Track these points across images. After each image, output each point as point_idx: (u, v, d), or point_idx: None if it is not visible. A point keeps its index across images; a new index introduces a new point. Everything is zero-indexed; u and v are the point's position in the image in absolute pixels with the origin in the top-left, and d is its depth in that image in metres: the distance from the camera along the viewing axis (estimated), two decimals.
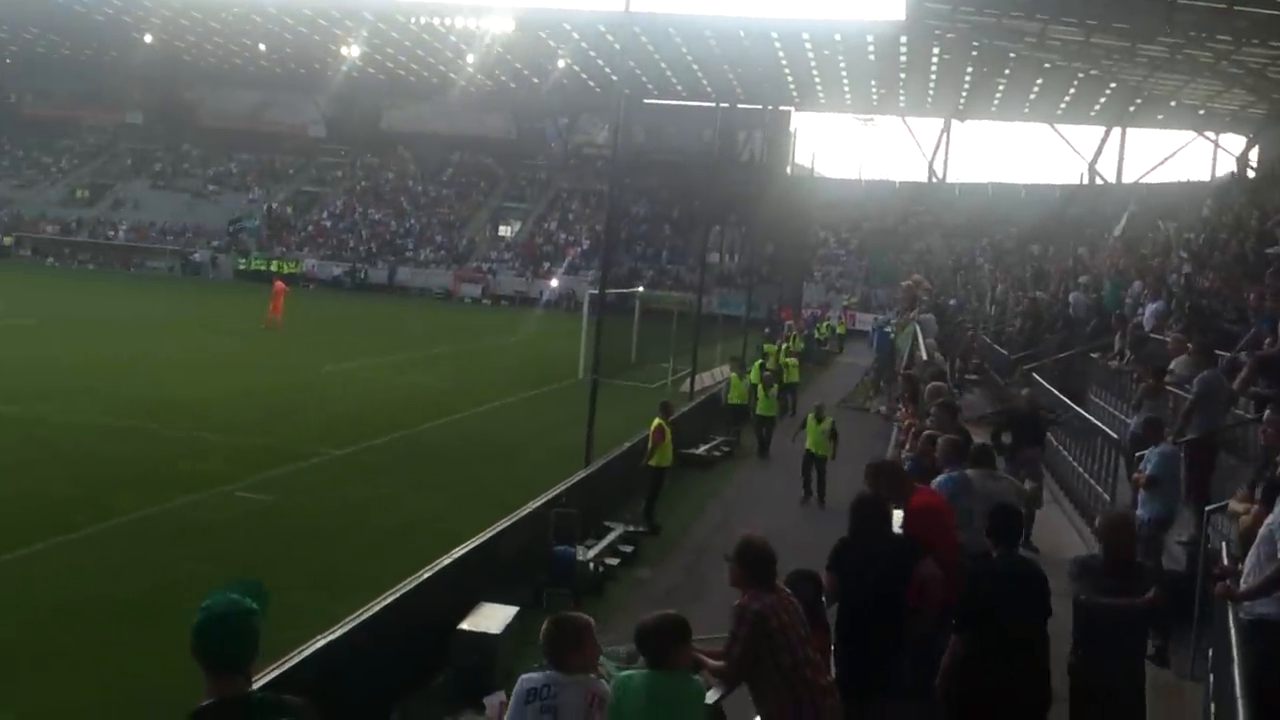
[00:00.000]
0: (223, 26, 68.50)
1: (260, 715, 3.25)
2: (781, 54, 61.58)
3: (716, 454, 20.41)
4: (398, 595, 8.70)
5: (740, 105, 68.47)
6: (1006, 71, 58.03)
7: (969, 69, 59.32)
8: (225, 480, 15.17)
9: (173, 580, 10.98)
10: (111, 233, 69.57)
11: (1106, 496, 12.31)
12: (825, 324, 48.99)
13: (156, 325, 35.44)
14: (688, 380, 25.04)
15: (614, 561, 12.76)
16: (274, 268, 62.69)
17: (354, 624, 7.99)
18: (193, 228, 69.71)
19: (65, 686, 8.57)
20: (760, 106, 70.09)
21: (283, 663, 6.77)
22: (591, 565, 11.86)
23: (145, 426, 18.51)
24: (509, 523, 11.21)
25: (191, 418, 19.58)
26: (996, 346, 26.03)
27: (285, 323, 36.19)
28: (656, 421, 15.04)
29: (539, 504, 12.03)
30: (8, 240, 68.35)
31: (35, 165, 77.86)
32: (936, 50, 56.31)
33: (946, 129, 72.83)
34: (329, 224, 71.52)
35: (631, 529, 14.04)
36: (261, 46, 71.62)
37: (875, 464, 7.55)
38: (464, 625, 9.15)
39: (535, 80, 72.04)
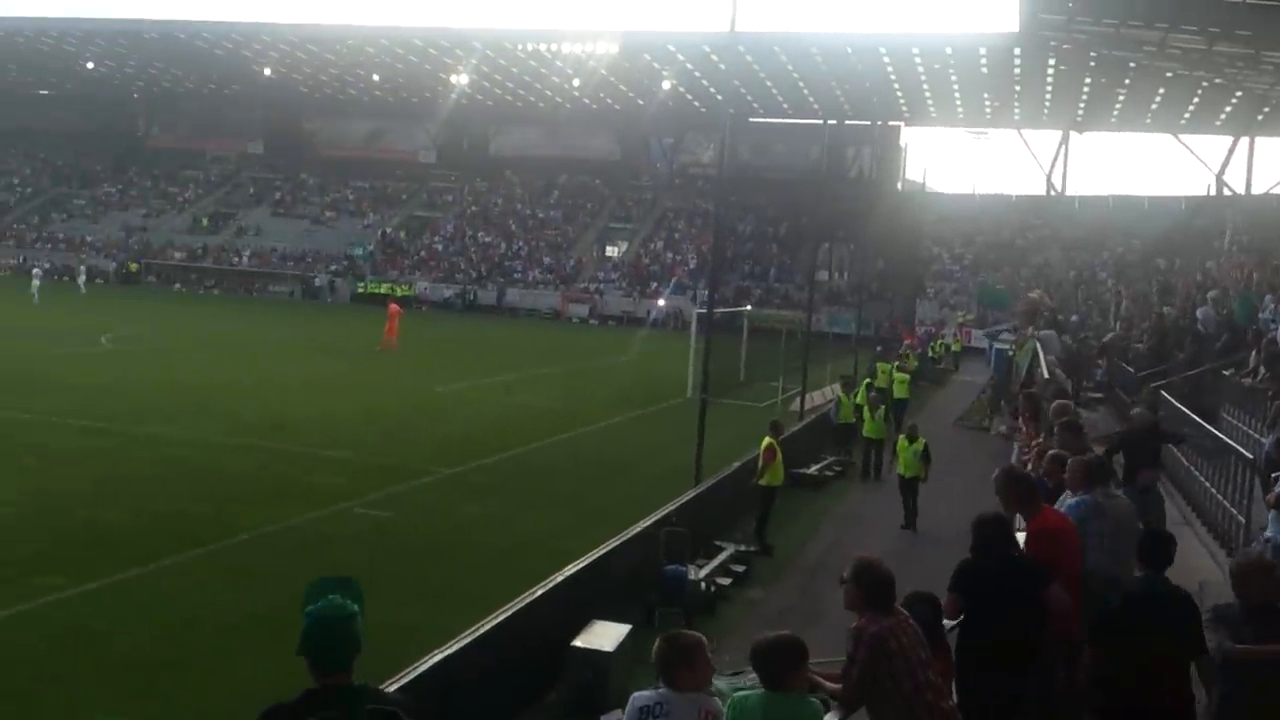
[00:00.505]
0: (337, 58, 70.57)
1: (362, 701, 3.50)
2: (890, 69, 60.89)
3: (828, 473, 20.13)
4: (511, 612, 8.75)
5: (848, 121, 67.82)
6: (1126, 81, 56.41)
7: (1087, 79, 57.81)
8: (345, 497, 15.50)
9: (295, 594, 11.01)
10: (235, 259, 71.93)
11: (1241, 519, 11.78)
12: (940, 341, 48.07)
13: (279, 347, 36.53)
14: (797, 399, 24.79)
15: (726, 581, 12.65)
16: (388, 291, 64.04)
17: (469, 640, 8.06)
18: (311, 253, 71.71)
19: (192, 694, 8.84)
20: (869, 122, 69.39)
21: (401, 676, 6.86)
22: (703, 585, 11.78)
23: (268, 445, 19.05)
24: (620, 541, 11.21)
25: (312, 436, 20.09)
26: (1123, 364, 25.21)
27: (399, 344, 36.96)
28: (767, 440, 14.90)
29: (649, 523, 12.00)
30: (134, 267, 71.09)
31: (162, 195, 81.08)
32: (1053, 61, 55.03)
33: (1065, 141, 71.14)
34: (440, 247, 72.89)
35: (743, 549, 13.92)
36: (375, 77, 73.56)
37: (1010, 472, 7.35)
38: (577, 642, 9.16)
39: (640, 101, 72.52)
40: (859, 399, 22.05)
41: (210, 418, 21.32)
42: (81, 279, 58.27)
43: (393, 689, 6.36)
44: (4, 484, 14.88)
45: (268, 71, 72.77)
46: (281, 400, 24.47)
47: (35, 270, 53.97)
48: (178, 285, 69.30)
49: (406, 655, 7.48)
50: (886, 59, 59.35)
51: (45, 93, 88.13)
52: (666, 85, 67.88)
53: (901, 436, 16.96)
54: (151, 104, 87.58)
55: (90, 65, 77.12)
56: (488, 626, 8.36)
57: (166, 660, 9.46)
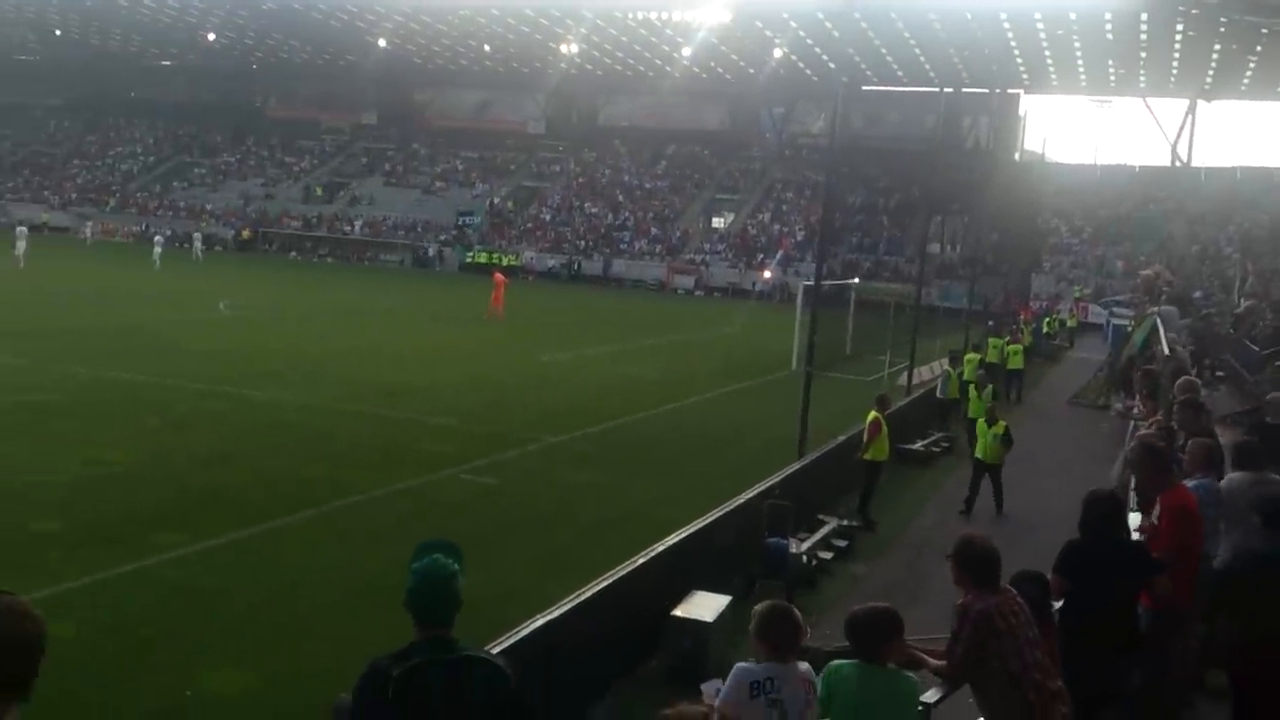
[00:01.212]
0: (450, 29, 71.28)
1: (459, 652, 3.74)
2: (1011, 35, 59.16)
3: (935, 450, 19.75)
4: (613, 579, 8.78)
5: (965, 90, 66.13)
6: (1258, 48, 53.91)
7: (1216, 46, 55.41)
8: (453, 463, 15.75)
9: (404, 556, 11.32)
10: (348, 228, 73.49)
11: None
12: (1055, 317, 46.71)
13: (389, 315, 37.23)
14: (905, 374, 24.38)
15: (828, 555, 12.52)
16: (496, 260, 64.71)
17: (571, 605, 8.11)
18: (422, 222, 72.85)
19: (303, 653, 9.07)
20: (987, 90, 67.58)
21: (503, 640, 6.93)
22: (805, 558, 11.68)
23: (379, 411, 19.45)
24: (722, 512, 11.17)
25: (421, 403, 20.45)
26: (1247, 341, 24.21)
27: (505, 313, 37.37)
28: (872, 415, 14.67)
29: (752, 495, 11.93)
30: (246, 234, 73.02)
31: (279, 165, 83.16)
32: (1180, 27, 52.84)
33: (1192, 110, 68.37)
34: (547, 217, 73.40)
35: (846, 523, 13.76)
36: (486, 47, 74.16)
37: (1147, 443, 7.12)
38: (677, 612, 9.17)
39: (751, 71, 71.76)
40: (966, 374, 21.56)
41: (323, 383, 21.84)
42: (198, 246, 60.13)
43: (495, 651, 6.45)
44: (127, 444, 15.45)
45: (382, 42, 73.89)
46: (392, 367, 24.96)
47: (156, 238, 55.87)
48: (293, 253, 71.08)
49: (509, 619, 7.56)
50: (1007, 25, 57.66)
51: (167, 64, 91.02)
52: (778, 54, 67.02)
53: (979, 419, 16.11)
54: (269, 75, 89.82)
55: (211, 36, 79.33)
56: (590, 593, 8.40)
57: (279, 619, 9.72)
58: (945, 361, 23.28)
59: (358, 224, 73.43)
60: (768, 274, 62.09)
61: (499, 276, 40.33)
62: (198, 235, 62.94)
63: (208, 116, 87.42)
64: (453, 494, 14.31)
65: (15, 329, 26.00)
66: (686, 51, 68.18)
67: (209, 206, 76.43)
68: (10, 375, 19.91)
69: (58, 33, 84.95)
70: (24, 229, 47.52)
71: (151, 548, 11.01)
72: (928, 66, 66.45)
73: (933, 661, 5.32)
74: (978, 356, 24.33)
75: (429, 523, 12.72)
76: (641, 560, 9.34)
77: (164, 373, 21.27)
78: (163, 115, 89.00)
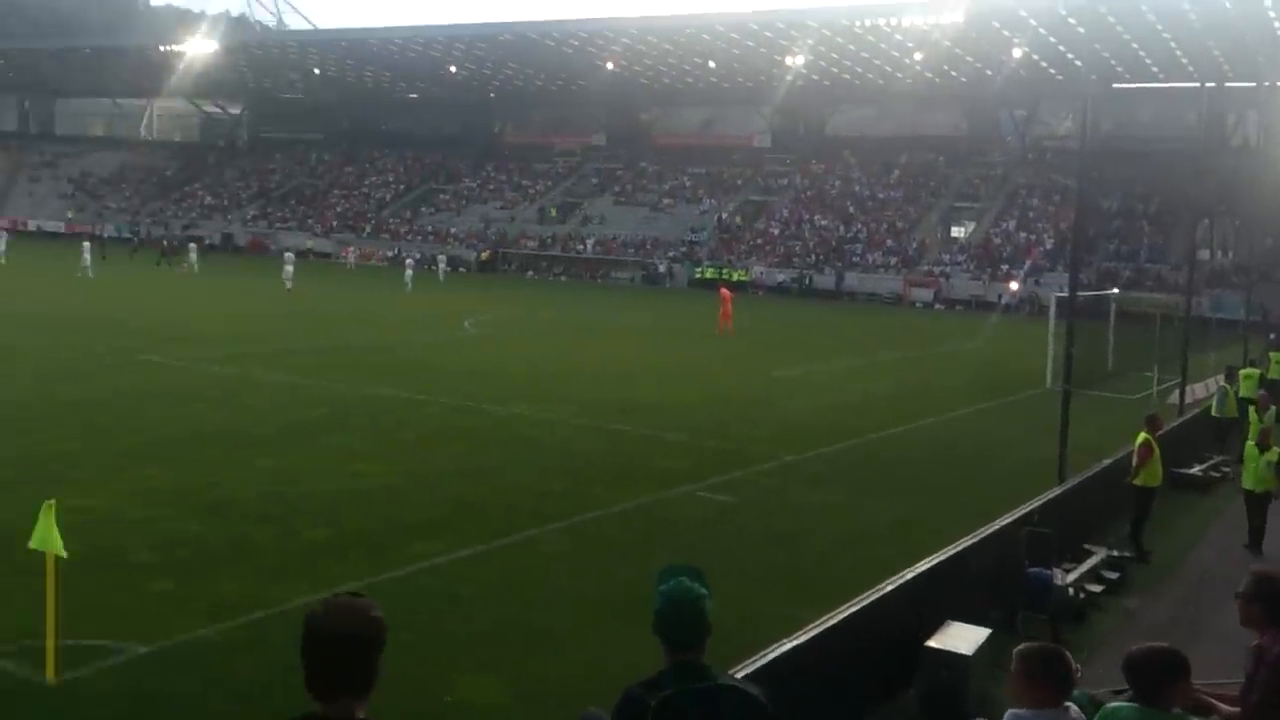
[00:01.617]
0: (675, 48, 72.11)
1: (712, 679, 3.63)
2: (1277, 23, 54.71)
3: (1214, 475, 18.11)
4: (863, 604, 8.42)
5: (1229, 84, 61.61)
6: None
7: None
8: (688, 480, 15.70)
9: (644, 572, 11.40)
10: (580, 246, 75.31)
11: None
12: None
13: (622, 332, 37.83)
14: (1176, 392, 22.62)
15: (1097, 588, 11.65)
16: (724, 275, 64.86)
17: (819, 630, 7.82)
18: (651, 239, 73.90)
19: (549, 663, 9.15)
20: (1254, 84, 62.74)
21: (749, 663, 6.73)
22: (1071, 590, 10.91)
23: (614, 427, 19.66)
24: (977, 538, 10.58)
25: (656, 419, 20.55)
26: None
27: (736, 329, 37.29)
28: (1143, 436, 13.62)
29: (1009, 521, 11.26)
30: (484, 256, 75.93)
31: (516, 188, 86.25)
32: None
33: None
34: (776, 231, 73.00)
35: (1116, 554, 12.79)
36: (711, 63, 74.56)
37: None
38: (931, 643, 8.70)
39: (988, 72, 69.23)
40: (1243, 391, 19.85)
41: (561, 399, 22.31)
42: (442, 268, 63.41)
43: (740, 675, 6.25)
44: (386, 457, 16.18)
45: (610, 65, 75.57)
46: (625, 383, 25.27)
47: (408, 260, 58.89)
48: (530, 272, 73.46)
49: (753, 641, 7.36)
50: (1272, 11, 53.32)
51: (415, 97, 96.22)
52: (1017, 53, 64.26)
53: (1250, 443, 14.64)
54: (506, 103, 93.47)
55: (453, 69, 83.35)
56: (839, 618, 8.08)
57: (527, 629, 9.86)
58: (1221, 378, 21.51)
59: (590, 242, 75.17)
60: (1014, 285, 59.48)
61: (725, 291, 40.33)
62: (442, 258, 66.52)
63: (451, 145, 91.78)
64: (689, 511, 14.24)
65: (287, 348, 27.91)
66: (918, 56, 66.48)
67: (453, 230, 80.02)
68: (284, 392, 21.29)
69: (317, 72, 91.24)
70: (291, 255, 51.05)
71: (410, 556, 11.43)
72: (1185, 60, 62.18)
73: (1224, 708, 4.88)
74: (1257, 372, 22.40)
75: (667, 539, 12.76)
76: (891, 586, 8.94)
77: (417, 389, 22.25)
78: (411, 145, 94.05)
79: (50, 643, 7.76)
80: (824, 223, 72.34)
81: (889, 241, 68.51)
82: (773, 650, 7.20)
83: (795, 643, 7.46)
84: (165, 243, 67.39)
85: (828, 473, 17.13)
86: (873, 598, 8.59)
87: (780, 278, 66.68)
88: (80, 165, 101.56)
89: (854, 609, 8.29)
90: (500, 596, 10.59)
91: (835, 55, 70.21)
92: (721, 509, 14.49)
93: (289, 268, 47.14)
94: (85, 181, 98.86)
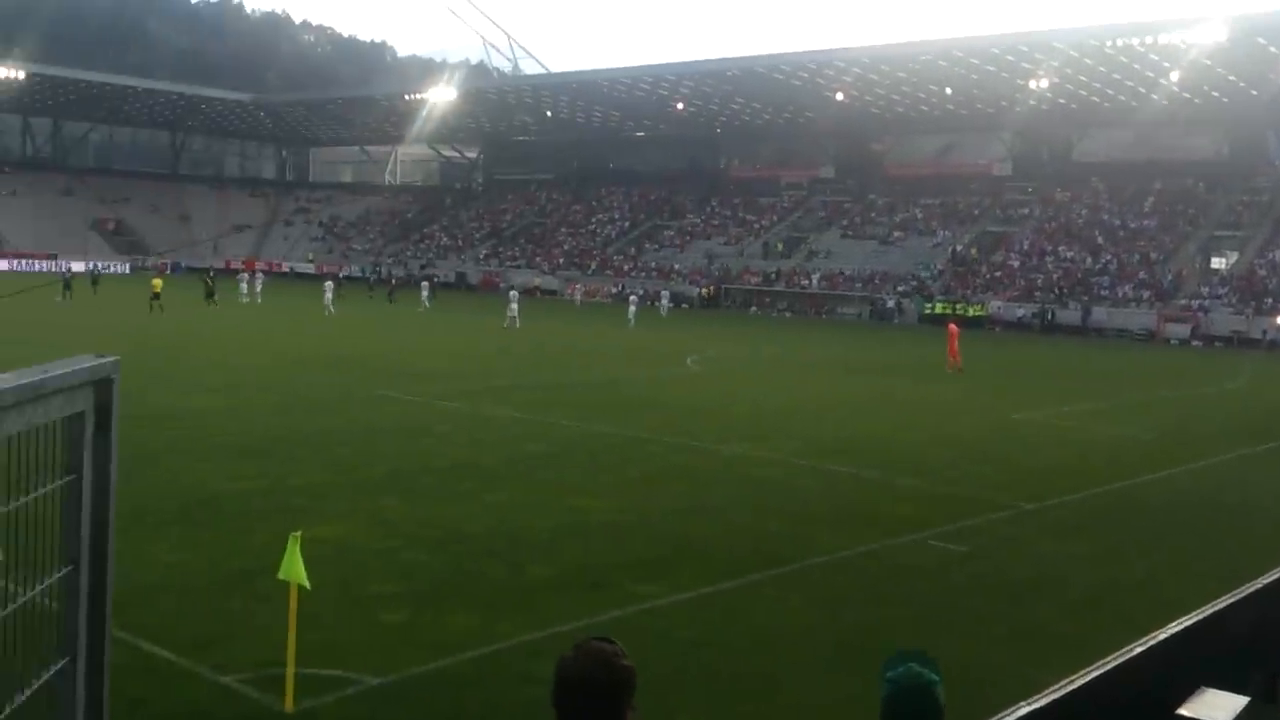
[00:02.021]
0: (910, 75, 70.70)
1: None
2: None
3: None
4: (1110, 666, 7.72)
5: None
6: None
7: None
8: (917, 527, 15.04)
9: (869, 621, 11.05)
10: (805, 281, 74.64)
11: None
12: None
13: (848, 368, 37.08)
14: None
15: None
16: (958, 311, 62.93)
17: (1061, 693, 7.19)
18: (880, 274, 72.43)
19: (773, 711, 8.88)
20: None
21: None
22: None
23: (840, 468, 19.13)
24: (1237, 597, 9.60)
25: (882, 460, 19.89)
26: None
27: (969, 367, 35.92)
28: None
29: (1273, 578, 10.17)
30: (708, 292, 76.19)
31: (741, 223, 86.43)
32: None
33: None
34: (1016, 264, 70.13)
35: None
36: (947, 90, 72.71)
37: None
38: (1184, 710, 7.89)
39: (1253, 92, 64.67)
40: None
41: (784, 437, 21.94)
42: (664, 303, 64.68)
43: None
44: (607, 494, 16.26)
45: (840, 96, 74.83)
46: (852, 422, 24.65)
47: (631, 297, 59.82)
48: (753, 308, 73.32)
49: (987, 704, 6.83)
50: None
51: (641, 135, 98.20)
52: None
53: None
54: (732, 138, 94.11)
55: (680, 106, 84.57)
56: (1082, 680, 7.43)
57: (746, 675, 9.58)
58: None
59: (815, 277, 74.40)
60: None
61: (952, 327, 38.99)
62: (665, 294, 67.61)
63: (676, 181, 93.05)
64: (919, 559, 13.60)
65: (514, 384, 28.72)
66: (1174, 76, 62.71)
67: (677, 266, 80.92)
68: (509, 427, 21.83)
69: (549, 114, 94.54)
70: (515, 293, 52.83)
71: (631, 596, 11.35)
72: None
73: None
74: None
75: (895, 588, 12.22)
76: (1140, 647, 8.18)
77: (639, 426, 22.38)
78: (638, 183, 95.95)
79: (289, 671, 8.04)
80: (1069, 254, 68.98)
81: (1141, 274, 64.58)
82: (1008, 714, 6.68)
83: (1033, 706, 6.90)
84: (393, 280, 71.12)
85: (1071, 522, 16.09)
86: (1120, 659, 7.89)
87: (1020, 313, 63.97)
88: (330, 210, 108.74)
89: (1099, 671, 7.63)
90: (720, 641, 10.34)
91: (1083, 77, 67.13)
92: (954, 558, 13.78)
93: (514, 305, 48.71)
94: (334, 225, 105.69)
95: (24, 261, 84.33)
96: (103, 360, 2.47)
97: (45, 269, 78.31)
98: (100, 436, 2.47)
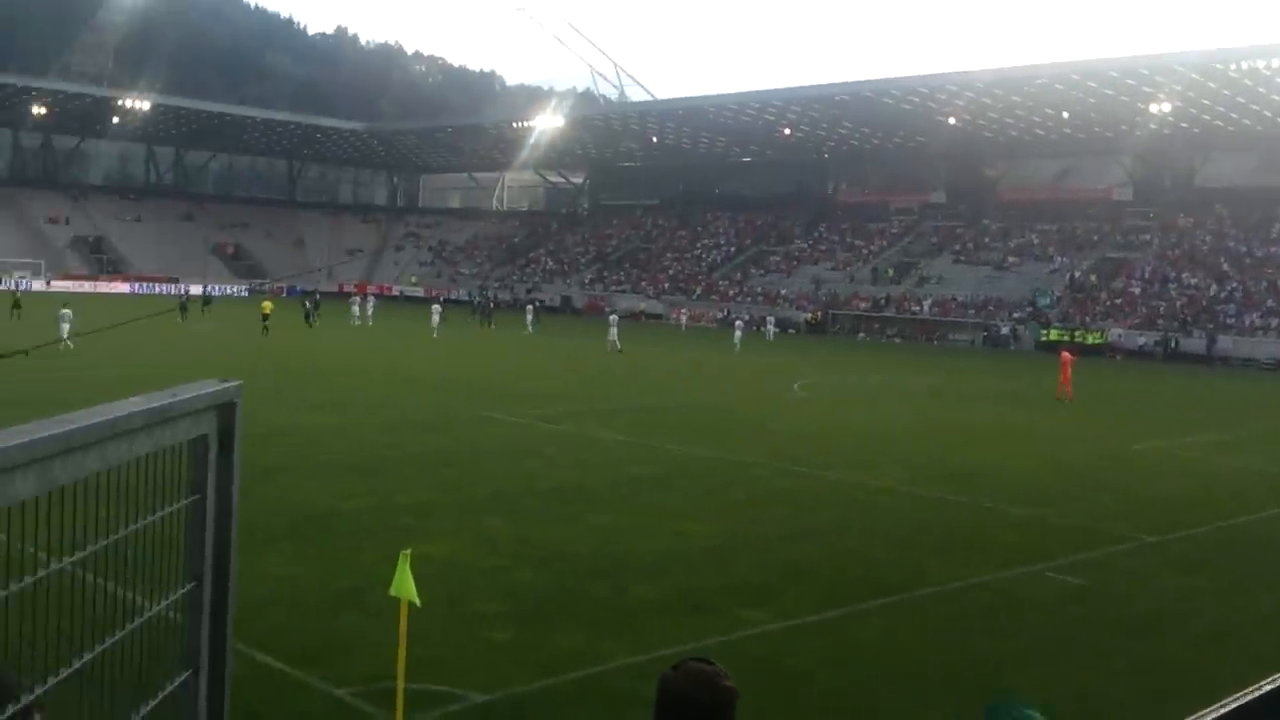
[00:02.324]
0: (1025, 99, 69.38)
1: None
2: None
3: None
4: (1236, 704, 7.36)
5: None
6: None
7: None
8: (1032, 558, 14.63)
9: (984, 654, 10.78)
10: (916, 307, 73.52)
11: None
12: None
13: (959, 396, 36.37)
14: None
15: None
16: (1076, 338, 61.42)
17: None
18: (994, 300, 71.00)
19: None
20: None
21: None
22: None
23: (950, 496, 18.74)
24: None
25: (994, 489, 19.45)
26: None
27: (1086, 395, 35.00)
28: None
29: None
30: (815, 317, 75.49)
31: (849, 248, 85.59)
32: None
33: None
34: (1136, 291, 68.09)
35: None
36: (1065, 114, 71.18)
37: None
38: None
39: None
40: None
41: (893, 464, 21.59)
42: (770, 328, 64.16)
43: None
44: (712, 518, 16.15)
45: (952, 120, 73.79)
46: (963, 449, 24.14)
47: (737, 322, 59.58)
48: (861, 334, 72.44)
49: None
50: None
51: (748, 160, 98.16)
52: None
53: None
54: (840, 162, 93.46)
55: (786, 131, 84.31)
56: (1210, 716, 7.10)
57: (856, 706, 9.41)
58: None
59: (926, 303, 73.24)
60: None
61: (1066, 355, 37.98)
62: (770, 319, 67.27)
63: (783, 206, 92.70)
64: (1034, 592, 13.21)
65: (617, 407, 28.84)
66: None
67: (783, 291, 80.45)
68: (613, 449, 21.91)
69: (655, 140, 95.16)
70: (615, 316, 53.16)
71: (737, 621, 11.23)
72: None
73: None
74: None
75: (1010, 621, 11.89)
76: (1268, 686, 7.78)
77: (744, 450, 22.25)
78: (743, 208, 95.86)
79: (399, 686, 8.13)
80: (1193, 281, 66.71)
81: (1269, 302, 62.11)
82: None
83: None
84: (492, 305, 72.01)
85: (1195, 556, 15.48)
86: (1247, 698, 7.52)
87: (1141, 341, 62.05)
88: (439, 235, 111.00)
89: (1224, 709, 7.28)
90: (826, 669, 10.18)
91: (1206, 101, 65.04)
92: (1072, 591, 13.35)
93: (614, 329, 48.96)
94: (443, 249, 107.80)
95: (144, 285, 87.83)
96: (226, 385, 2.53)
97: (164, 291, 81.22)
98: (223, 458, 2.52)
